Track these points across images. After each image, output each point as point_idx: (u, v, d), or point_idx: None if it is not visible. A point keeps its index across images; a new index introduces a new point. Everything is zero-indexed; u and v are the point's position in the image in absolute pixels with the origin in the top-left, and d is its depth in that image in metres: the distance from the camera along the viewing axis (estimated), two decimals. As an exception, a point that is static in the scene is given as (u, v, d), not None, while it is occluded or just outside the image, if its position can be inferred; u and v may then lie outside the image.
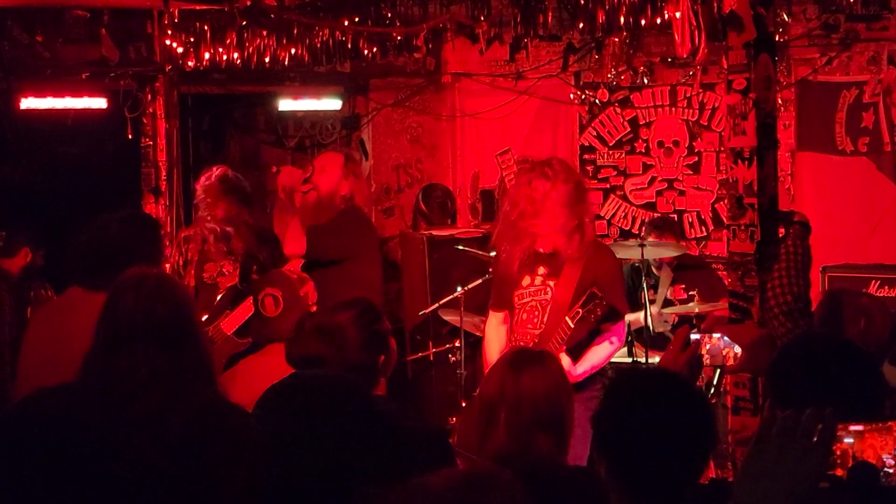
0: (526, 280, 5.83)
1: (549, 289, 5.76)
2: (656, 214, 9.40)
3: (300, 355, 3.82)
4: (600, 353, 5.75)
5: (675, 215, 9.50)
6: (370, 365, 3.88)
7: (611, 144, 9.86)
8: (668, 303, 7.93)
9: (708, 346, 6.73)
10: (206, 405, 3.18)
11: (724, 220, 8.29)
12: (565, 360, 5.53)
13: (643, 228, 8.92)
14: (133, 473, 2.17)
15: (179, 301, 3.39)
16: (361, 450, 2.27)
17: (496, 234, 6.00)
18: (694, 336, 4.16)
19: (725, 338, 6.85)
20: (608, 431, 2.82)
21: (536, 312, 5.78)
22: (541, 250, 5.74)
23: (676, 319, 7.90)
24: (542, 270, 5.79)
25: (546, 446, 3.68)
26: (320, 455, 2.26)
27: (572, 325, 5.57)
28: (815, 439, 1.97)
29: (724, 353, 6.69)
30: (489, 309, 6.16)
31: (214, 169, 7.19)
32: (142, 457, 2.16)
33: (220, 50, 8.71)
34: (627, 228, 9.71)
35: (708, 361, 6.75)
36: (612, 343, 5.79)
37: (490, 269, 7.86)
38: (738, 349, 5.04)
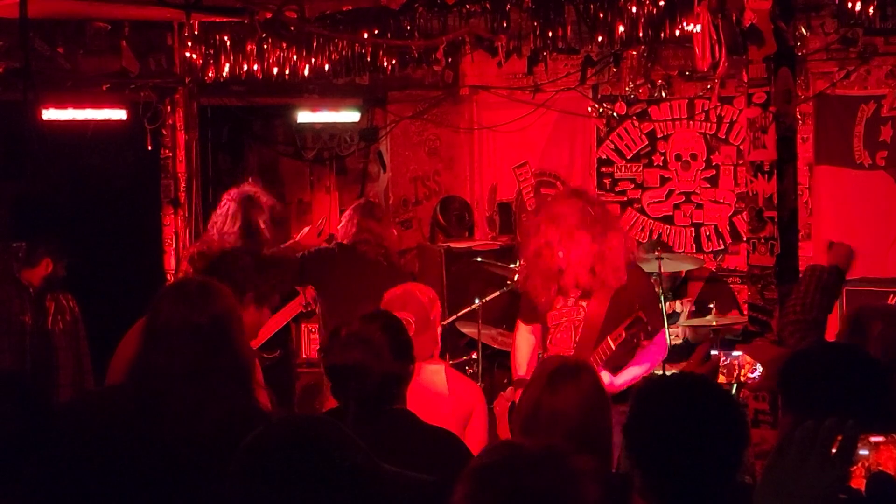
0: (559, 302, 5.83)
1: (581, 309, 5.75)
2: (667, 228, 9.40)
3: (342, 364, 3.82)
4: (640, 367, 5.72)
5: (693, 228, 9.50)
6: (403, 375, 3.88)
7: (628, 157, 9.87)
8: (674, 316, 7.92)
9: (726, 362, 6.75)
10: (236, 408, 3.20)
11: (742, 233, 8.29)
12: (605, 376, 5.51)
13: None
14: (162, 471, 2.18)
15: (219, 305, 3.47)
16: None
17: (522, 267, 6.05)
18: (713, 352, 4.16)
19: (742, 354, 6.88)
20: (642, 439, 2.81)
21: (570, 332, 5.78)
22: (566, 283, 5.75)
23: (687, 333, 7.91)
24: (573, 293, 5.78)
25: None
26: None
27: (613, 348, 5.54)
28: (835, 450, 1.97)
29: (740, 369, 6.70)
30: (518, 319, 6.15)
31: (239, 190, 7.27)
32: (172, 454, 2.18)
33: (241, 61, 8.75)
34: (645, 242, 9.70)
35: (723, 378, 6.76)
36: (654, 355, 5.78)
37: (508, 282, 7.89)
38: (758, 366, 5.03)
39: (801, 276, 5.07)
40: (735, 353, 6.91)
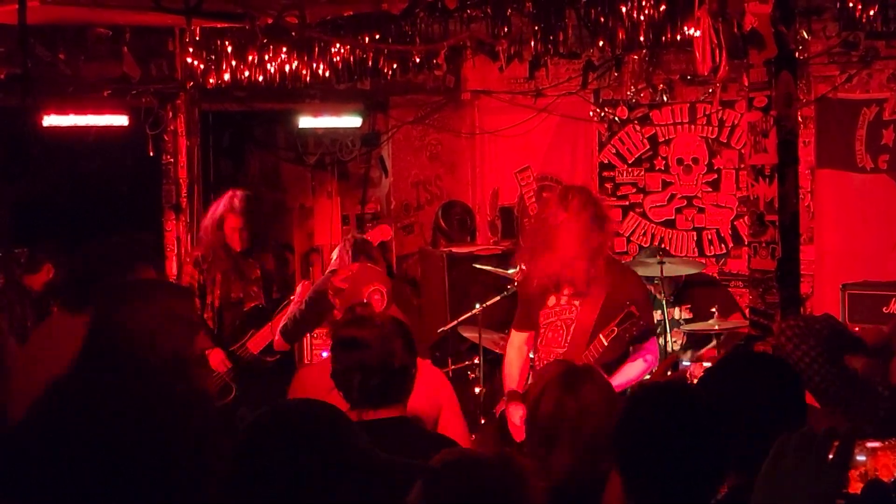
0: (552, 300, 5.82)
1: (574, 308, 5.74)
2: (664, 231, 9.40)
3: (352, 337, 3.83)
4: (636, 369, 5.70)
5: (695, 232, 9.50)
6: (409, 368, 3.88)
7: (630, 162, 9.87)
8: (673, 323, 7.90)
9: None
10: (178, 394, 3.37)
11: (744, 237, 8.29)
12: None
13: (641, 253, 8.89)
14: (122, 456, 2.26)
15: (159, 301, 3.65)
16: (337, 485, 2.36)
17: (520, 256, 6.01)
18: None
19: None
20: (626, 443, 2.81)
21: (561, 331, 5.76)
22: (563, 277, 5.74)
23: (685, 340, 7.89)
24: (567, 290, 5.78)
25: (610, 465, 3.63)
26: (298, 490, 2.33)
27: (606, 344, 5.55)
28: (832, 457, 1.96)
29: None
30: (512, 328, 6.14)
31: (236, 193, 7.32)
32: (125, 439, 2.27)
33: (242, 67, 8.75)
34: (647, 245, 9.69)
35: None
36: (646, 360, 5.75)
37: (509, 287, 7.88)
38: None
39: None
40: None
